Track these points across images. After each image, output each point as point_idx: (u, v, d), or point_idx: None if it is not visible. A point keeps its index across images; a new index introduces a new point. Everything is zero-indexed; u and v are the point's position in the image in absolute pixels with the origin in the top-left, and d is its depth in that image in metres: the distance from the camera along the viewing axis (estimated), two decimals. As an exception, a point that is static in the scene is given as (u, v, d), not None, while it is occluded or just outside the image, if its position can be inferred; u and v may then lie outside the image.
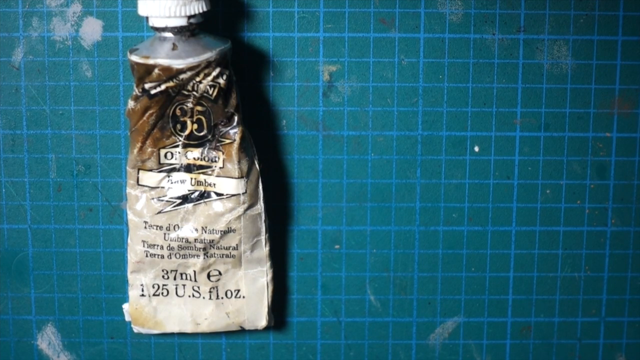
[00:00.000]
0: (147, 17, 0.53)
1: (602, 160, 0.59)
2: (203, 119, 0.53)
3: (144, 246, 0.55)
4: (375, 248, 0.60)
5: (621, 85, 0.58)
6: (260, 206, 0.56)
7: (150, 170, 0.54)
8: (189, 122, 0.53)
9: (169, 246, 0.55)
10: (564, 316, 0.61)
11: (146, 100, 0.53)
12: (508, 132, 0.59)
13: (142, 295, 0.57)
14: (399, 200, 0.59)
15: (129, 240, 0.56)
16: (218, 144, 0.54)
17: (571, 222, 0.60)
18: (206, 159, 0.54)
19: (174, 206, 0.55)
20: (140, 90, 0.52)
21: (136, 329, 0.58)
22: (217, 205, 0.55)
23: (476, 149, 0.59)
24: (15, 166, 0.59)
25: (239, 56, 0.57)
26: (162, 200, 0.55)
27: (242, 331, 0.61)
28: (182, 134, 0.54)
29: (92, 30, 0.57)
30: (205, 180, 0.55)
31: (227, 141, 0.54)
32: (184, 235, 0.55)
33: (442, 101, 0.58)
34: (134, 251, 0.56)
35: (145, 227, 0.55)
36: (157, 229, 0.55)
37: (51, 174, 0.59)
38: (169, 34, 0.52)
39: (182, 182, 0.55)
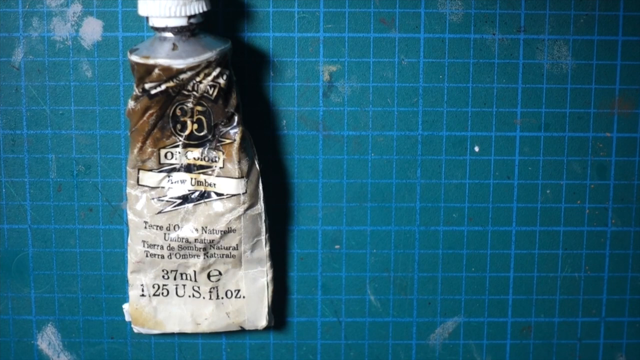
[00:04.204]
0: (147, 17, 0.53)
1: (602, 160, 0.59)
2: (203, 119, 0.53)
3: (144, 246, 0.55)
4: (376, 248, 0.60)
5: (621, 85, 0.58)
6: (261, 206, 0.56)
7: (151, 170, 0.54)
8: (189, 122, 0.53)
9: (169, 246, 0.55)
10: (564, 316, 0.61)
11: (146, 100, 0.53)
12: (508, 132, 0.59)
13: (142, 295, 0.57)
14: (399, 200, 0.59)
15: (129, 240, 0.56)
16: (218, 144, 0.54)
17: (571, 222, 0.60)
18: (206, 159, 0.54)
19: (174, 206, 0.55)
20: (141, 90, 0.52)
21: (136, 329, 0.58)
22: (217, 205, 0.55)
23: (476, 149, 0.59)
24: (15, 166, 0.59)
25: (239, 56, 0.57)
26: (162, 200, 0.55)
27: (242, 331, 0.61)
28: (182, 134, 0.54)
29: (92, 30, 0.57)
30: (205, 180, 0.55)
31: (227, 141, 0.54)
32: (184, 235, 0.55)
33: (442, 101, 0.58)
34: (134, 251, 0.56)
35: (146, 227, 0.55)
36: (157, 229, 0.55)
37: (51, 174, 0.59)
38: (169, 34, 0.52)
39: (182, 182, 0.55)
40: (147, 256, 0.56)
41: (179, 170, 0.55)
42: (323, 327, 0.61)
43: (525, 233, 0.60)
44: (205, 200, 0.55)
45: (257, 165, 0.56)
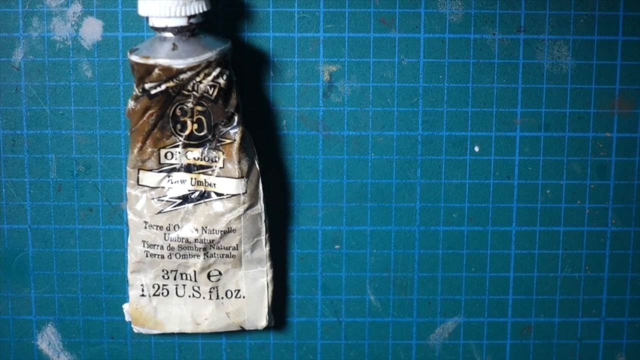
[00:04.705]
0: (147, 17, 0.53)
1: (602, 160, 0.59)
2: (203, 119, 0.53)
3: (144, 246, 0.55)
4: (376, 248, 0.60)
5: (621, 85, 0.58)
6: (261, 206, 0.56)
7: (151, 170, 0.54)
8: (189, 122, 0.53)
9: (169, 246, 0.55)
10: (564, 316, 0.61)
11: (146, 100, 0.53)
12: (508, 132, 0.59)
13: (142, 295, 0.57)
14: (399, 200, 0.59)
15: (129, 240, 0.56)
16: (218, 144, 0.54)
17: (571, 222, 0.60)
18: (206, 159, 0.54)
19: (174, 206, 0.55)
20: (141, 90, 0.52)
21: (136, 329, 0.58)
22: (217, 205, 0.55)
23: (476, 149, 0.59)
24: (15, 166, 0.59)
25: (239, 56, 0.57)
26: (162, 200, 0.55)
27: (242, 331, 0.61)
28: (182, 134, 0.54)
29: (92, 30, 0.57)
30: (205, 180, 0.55)
31: (227, 141, 0.54)
32: (184, 235, 0.55)
33: (442, 101, 0.58)
34: (134, 251, 0.56)
35: (146, 227, 0.55)
36: (157, 229, 0.55)
37: (51, 174, 0.59)
38: (169, 34, 0.52)
39: (182, 182, 0.55)
40: (147, 256, 0.56)
41: (179, 170, 0.55)
42: (323, 327, 0.61)
43: (525, 233, 0.60)
44: (205, 200, 0.55)
45: (257, 165, 0.56)
